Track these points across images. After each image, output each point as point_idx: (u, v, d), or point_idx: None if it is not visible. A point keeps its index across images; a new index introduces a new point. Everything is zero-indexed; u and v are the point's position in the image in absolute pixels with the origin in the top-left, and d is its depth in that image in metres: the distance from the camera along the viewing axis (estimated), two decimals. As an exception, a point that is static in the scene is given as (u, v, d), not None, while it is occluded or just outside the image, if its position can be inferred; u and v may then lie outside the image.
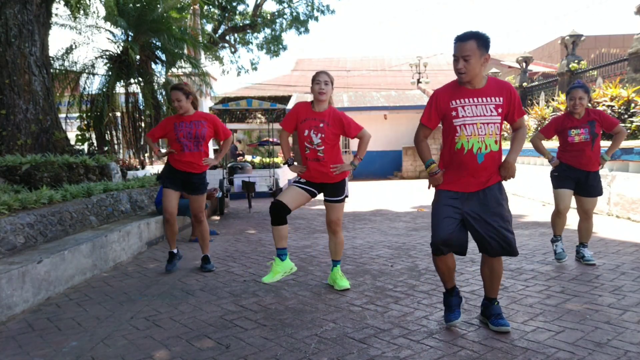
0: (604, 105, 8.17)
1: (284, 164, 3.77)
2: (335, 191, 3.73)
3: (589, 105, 4.26)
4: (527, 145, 8.14)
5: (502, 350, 2.53)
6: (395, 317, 3.10)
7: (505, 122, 2.83)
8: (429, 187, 2.99)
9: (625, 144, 7.02)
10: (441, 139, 2.94)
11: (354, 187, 14.56)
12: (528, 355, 2.45)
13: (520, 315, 3.03)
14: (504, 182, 2.83)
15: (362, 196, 11.70)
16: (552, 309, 3.14)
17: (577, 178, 4.28)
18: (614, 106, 7.96)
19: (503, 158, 2.82)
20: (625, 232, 5.77)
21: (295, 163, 3.82)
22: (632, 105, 7.74)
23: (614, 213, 6.90)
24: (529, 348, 2.54)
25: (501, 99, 2.72)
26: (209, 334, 2.90)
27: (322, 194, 3.81)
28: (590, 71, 10.26)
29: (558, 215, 4.42)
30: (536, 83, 12.67)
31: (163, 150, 4.60)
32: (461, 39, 2.66)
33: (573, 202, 4.42)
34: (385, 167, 19.11)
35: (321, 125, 3.64)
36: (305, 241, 5.90)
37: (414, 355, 2.52)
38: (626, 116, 7.78)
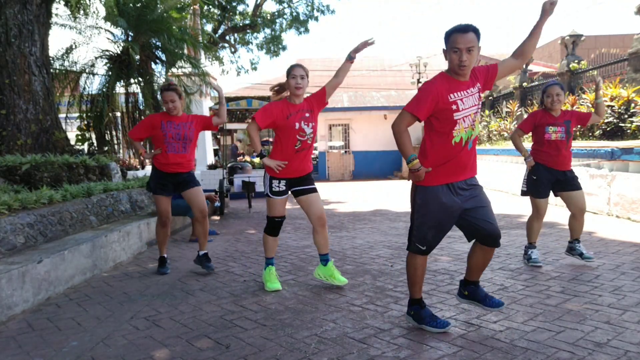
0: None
1: (257, 156, 3.68)
2: (310, 180, 3.82)
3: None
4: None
5: (502, 350, 2.53)
6: (395, 317, 3.10)
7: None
8: (414, 182, 2.83)
9: (625, 144, 7.02)
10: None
11: (354, 188, 14.56)
12: (528, 355, 2.45)
13: (520, 315, 3.03)
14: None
15: (362, 196, 11.70)
16: (552, 309, 3.14)
17: (555, 179, 4.25)
18: (614, 106, 7.96)
19: None
20: (625, 232, 5.77)
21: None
22: (632, 105, 7.74)
23: (614, 213, 6.90)
24: (529, 348, 2.54)
25: (479, 84, 2.76)
26: (209, 334, 2.90)
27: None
28: (590, 71, 10.26)
29: (537, 220, 4.34)
30: (536, 83, 12.67)
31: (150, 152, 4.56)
32: (463, 30, 2.59)
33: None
34: (385, 167, 19.12)
35: (307, 114, 3.69)
36: (305, 241, 5.90)
37: (414, 355, 2.52)
38: (626, 116, 7.78)
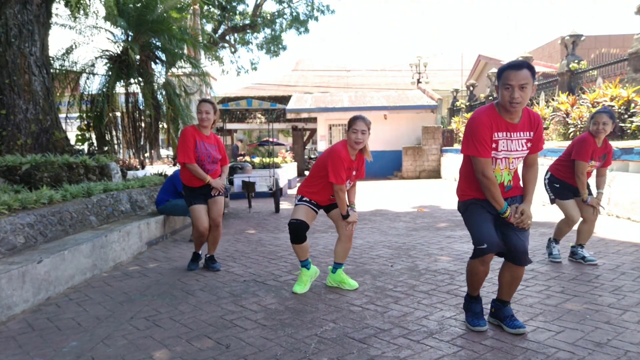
0: (603, 105, 8.17)
1: (344, 217, 3.69)
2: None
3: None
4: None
5: (502, 350, 2.53)
6: (395, 317, 3.10)
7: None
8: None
9: (625, 144, 7.02)
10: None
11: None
12: (528, 355, 2.45)
13: (520, 315, 3.03)
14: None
15: (362, 196, 11.68)
16: (552, 309, 3.14)
17: (574, 190, 4.32)
18: (614, 106, 7.96)
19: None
20: (625, 232, 5.77)
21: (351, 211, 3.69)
22: (632, 105, 7.74)
23: (614, 213, 6.90)
24: (529, 348, 2.54)
25: (532, 133, 2.66)
26: (209, 334, 2.90)
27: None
28: (590, 71, 10.25)
29: (569, 225, 4.35)
30: (536, 83, 12.67)
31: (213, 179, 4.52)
32: (517, 67, 2.52)
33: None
34: (385, 167, 19.12)
35: (354, 173, 3.68)
36: (305, 241, 5.89)
37: (414, 355, 2.52)
38: (626, 116, 7.78)
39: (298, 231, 3.63)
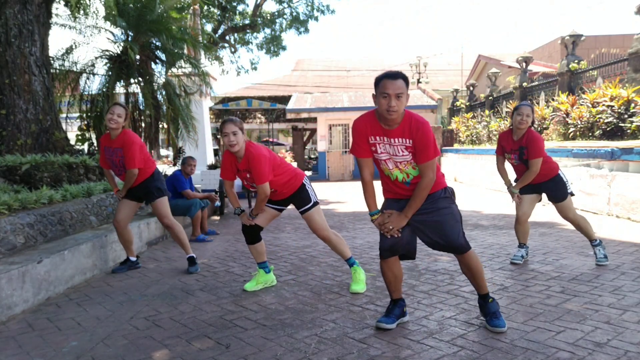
0: (604, 105, 8.17)
1: (235, 212, 3.72)
2: (298, 202, 3.79)
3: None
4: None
5: (502, 350, 2.53)
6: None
7: None
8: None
9: (625, 144, 7.02)
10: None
11: (354, 188, 14.55)
12: (528, 355, 2.45)
13: (520, 315, 3.03)
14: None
15: (362, 196, 11.68)
16: (552, 309, 3.14)
17: (535, 188, 4.34)
18: (613, 106, 7.96)
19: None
20: (625, 232, 5.77)
21: (245, 210, 3.84)
22: (632, 105, 7.74)
23: (614, 213, 6.90)
24: (529, 348, 2.54)
25: (410, 141, 2.69)
26: (209, 334, 2.90)
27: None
28: (590, 71, 10.25)
29: (517, 222, 4.43)
30: (536, 83, 12.66)
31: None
32: (392, 77, 2.62)
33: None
34: (385, 167, 19.08)
35: (248, 175, 3.66)
36: (305, 241, 5.90)
37: (414, 355, 2.52)
38: (626, 116, 7.78)
39: (249, 234, 3.83)
